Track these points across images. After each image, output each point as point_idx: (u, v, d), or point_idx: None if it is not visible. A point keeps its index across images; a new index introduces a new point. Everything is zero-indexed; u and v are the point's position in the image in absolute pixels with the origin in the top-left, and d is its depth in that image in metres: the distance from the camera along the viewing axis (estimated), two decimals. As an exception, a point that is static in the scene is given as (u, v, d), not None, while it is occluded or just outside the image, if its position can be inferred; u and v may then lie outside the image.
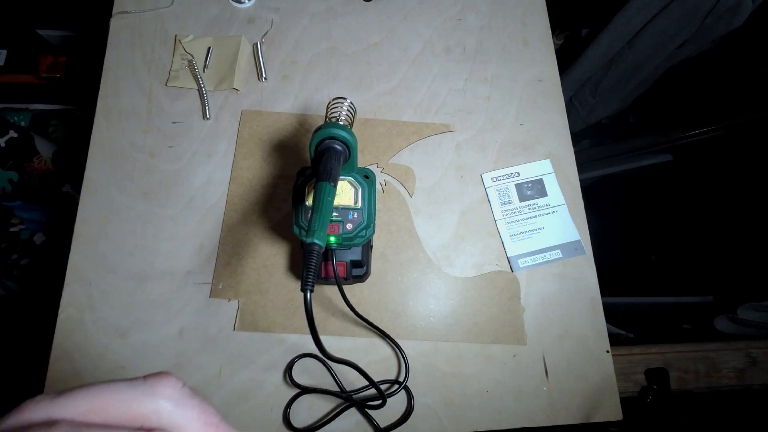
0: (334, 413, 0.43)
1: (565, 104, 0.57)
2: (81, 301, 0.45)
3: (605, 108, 0.96)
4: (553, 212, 0.51)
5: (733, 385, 0.60)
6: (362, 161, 0.52)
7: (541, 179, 0.52)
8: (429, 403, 0.44)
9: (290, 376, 0.43)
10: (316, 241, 0.28)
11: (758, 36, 0.79)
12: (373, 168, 0.51)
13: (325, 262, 0.39)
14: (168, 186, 0.49)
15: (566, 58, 0.87)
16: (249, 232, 0.48)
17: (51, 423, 0.15)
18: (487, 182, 0.52)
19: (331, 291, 0.47)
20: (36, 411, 0.15)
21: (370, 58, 0.56)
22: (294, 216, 0.37)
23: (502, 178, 0.52)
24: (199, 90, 0.52)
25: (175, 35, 0.55)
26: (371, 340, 0.46)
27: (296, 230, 0.36)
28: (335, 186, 0.31)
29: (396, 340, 0.45)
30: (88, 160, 0.49)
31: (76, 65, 0.98)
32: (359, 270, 0.43)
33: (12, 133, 0.87)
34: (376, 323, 0.44)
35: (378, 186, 0.51)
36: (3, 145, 0.86)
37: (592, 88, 0.92)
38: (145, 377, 0.17)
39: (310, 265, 0.27)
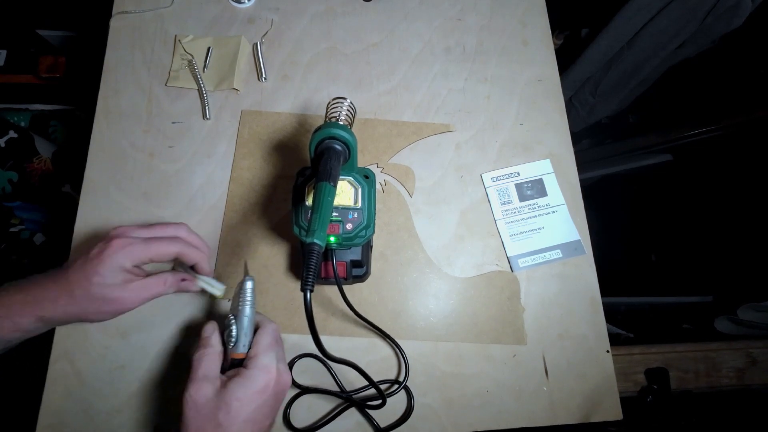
0: (334, 413, 0.43)
1: (565, 104, 0.57)
2: (81, 301, 0.45)
3: (605, 108, 0.96)
4: (553, 212, 0.51)
5: (733, 385, 0.60)
6: (362, 161, 0.52)
7: (541, 179, 0.52)
8: (429, 403, 0.44)
9: (290, 376, 0.43)
10: (315, 241, 0.28)
11: (758, 36, 0.79)
12: (373, 168, 0.51)
13: (325, 262, 0.39)
14: (168, 186, 0.49)
15: (566, 58, 0.87)
16: (249, 233, 0.48)
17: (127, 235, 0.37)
18: (487, 182, 0.52)
19: (331, 291, 0.47)
20: (116, 231, 0.37)
21: (370, 58, 0.56)
22: (294, 216, 0.37)
23: (502, 178, 0.52)
24: (199, 90, 0.52)
25: (175, 35, 0.55)
26: (371, 340, 0.46)
27: (296, 230, 0.36)
28: (335, 186, 0.31)
29: (396, 340, 0.45)
30: (88, 160, 0.49)
31: (75, 65, 0.98)
32: (359, 270, 0.43)
33: (12, 134, 0.87)
34: (376, 323, 0.44)
35: (378, 186, 0.51)
36: (3, 145, 0.86)
37: (591, 88, 0.92)
38: (172, 223, 0.41)
39: (310, 265, 0.27)
